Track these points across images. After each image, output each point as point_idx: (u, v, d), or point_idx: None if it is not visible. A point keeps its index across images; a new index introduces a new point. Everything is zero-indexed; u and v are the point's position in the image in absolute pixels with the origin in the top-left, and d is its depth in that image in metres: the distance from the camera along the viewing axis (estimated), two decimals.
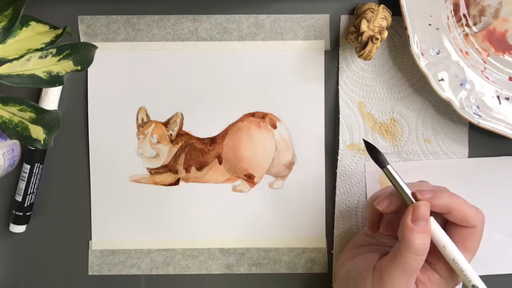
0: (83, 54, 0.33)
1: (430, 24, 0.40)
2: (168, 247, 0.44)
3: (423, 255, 0.33)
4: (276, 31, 0.42)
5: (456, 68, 0.41)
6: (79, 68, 0.33)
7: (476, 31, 0.42)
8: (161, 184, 0.43)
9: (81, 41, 0.42)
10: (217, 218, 0.44)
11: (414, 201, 0.35)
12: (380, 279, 0.34)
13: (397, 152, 0.43)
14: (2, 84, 0.30)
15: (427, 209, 0.34)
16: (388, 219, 0.38)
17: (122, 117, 0.43)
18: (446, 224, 0.36)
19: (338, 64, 0.43)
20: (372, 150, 0.37)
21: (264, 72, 0.43)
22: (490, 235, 0.43)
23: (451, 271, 0.35)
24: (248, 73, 0.43)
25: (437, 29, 0.40)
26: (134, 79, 0.43)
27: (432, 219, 0.35)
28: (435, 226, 0.35)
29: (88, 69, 0.42)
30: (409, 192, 0.35)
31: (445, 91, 0.40)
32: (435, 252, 0.35)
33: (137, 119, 0.43)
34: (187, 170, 0.43)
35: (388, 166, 0.36)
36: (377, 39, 0.37)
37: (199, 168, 0.43)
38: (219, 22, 0.42)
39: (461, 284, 0.43)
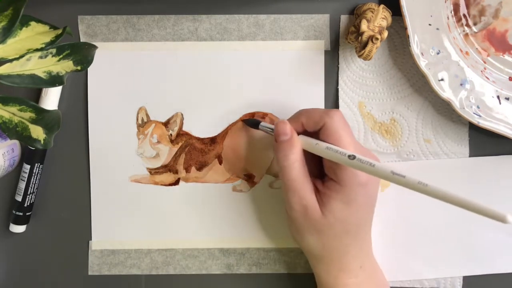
0: (83, 54, 0.33)
1: (430, 24, 0.40)
2: (168, 247, 0.44)
3: (290, 165, 0.36)
4: (276, 31, 0.42)
5: (456, 68, 0.41)
6: (79, 68, 0.33)
7: (476, 31, 0.42)
8: (161, 184, 0.43)
9: (81, 41, 0.42)
10: (217, 218, 0.44)
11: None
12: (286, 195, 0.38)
13: (397, 152, 0.43)
14: (2, 84, 0.30)
15: (284, 125, 0.37)
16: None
17: (122, 117, 0.43)
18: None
19: (338, 64, 0.43)
20: (251, 124, 0.42)
21: (264, 72, 0.43)
22: (490, 234, 0.43)
23: (337, 171, 0.36)
24: (248, 73, 0.43)
25: (437, 29, 0.40)
26: (134, 79, 0.43)
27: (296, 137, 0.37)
28: (303, 137, 0.38)
29: (88, 69, 0.42)
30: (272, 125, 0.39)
31: (445, 91, 0.40)
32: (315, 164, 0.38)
33: (137, 119, 0.43)
34: (187, 170, 0.43)
35: (261, 124, 0.41)
36: (377, 39, 0.37)
37: (199, 168, 0.43)
38: (219, 22, 0.42)
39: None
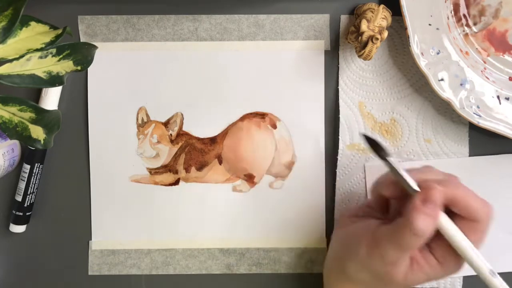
0: (83, 54, 0.33)
1: (430, 24, 0.40)
2: (168, 247, 0.44)
3: (422, 236, 0.32)
4: (276, 31, 0.42)
5: (456, 68, 0.41)
6: (79, 68, 0.33)
7: (476, 31, 0.42)
8: (161, 184, 0.43)
9: (81, 41, 0.42)
10: (217, 218, 0.44)
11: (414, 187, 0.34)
12: (375, 245, 0.34)
13: (397, 152, 0.43)
14: (2, 84, 0.30)
15: (439, 195, 0.33)
16: (395, 204, 0.37)
17: (122, 117, 0.43)
18: (452, 215, 0.35)
19: (338, 64, 0.43)
20: (373, 144, 0.36)
21: (264, 72, 0.43)
22: (491, 234, 0.43)
23: (448, 259, 0.34)
24: (248, 73, 0.43)
25: (437, 29, 0.40)
26: (134, 79, 0.43)
27: (443, 214, 0.33)
28: (444, 218, 0.34)
29: (88, 69, 0.42)
30: (413, 184, 0.34)
31: (445, 91, 0.40)
32: (437, 238, 0.34)
33: (137, 119, 0.43)
34: (187, 170, 0.43)
35: (389, 159, 0.35)
36: (377, 39, 0.37)
37: (199, 168, 0.43)
38: (219, 22, 0.42)
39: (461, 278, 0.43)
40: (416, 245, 0.33)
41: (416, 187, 0.34)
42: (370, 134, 0.42)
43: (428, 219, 0.32)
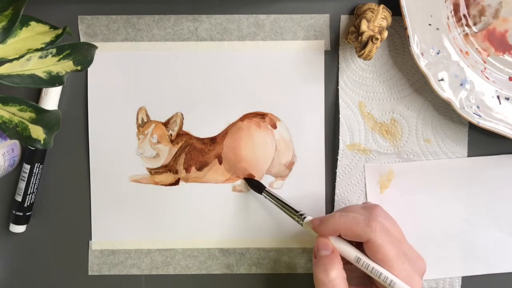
0: (83, 54, 0.33)
1: (430, 24, 0.40)
2: (168, 247, 0.44)
3: (331, 282, 0.35)
4: (276, 31, 0.42)
5: (456, 68, 0.41)
6: (79, 68, 0.33)
7: (476, 31, 0.42)
8: (161, 184, 0.43)
9: (81, 41, 0.42)
10: (217, 218, 0.44)
11: (296, 213, 0.39)
12: None
13: (397, 152, 0.43)
14: (2, 84, 0.30)
15: (325, 240, 0.36)
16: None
17: (122, 117, 0.43)
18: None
19: (338, 64, 0.43)
20: (250, 182, 0.42)
21: (264, 72, 0.43)
22: (490, 234, 0.43)
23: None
24: (248, 73, 0.43)
25: (437, 29, 0.40)
26: (134, 79, 0.43)
27: (339, 240, 0.36)
28: (342, 245, 0.36)
29: (88, 69, 0.42)
30: (294, 208, 0.40)
31: (445, 91, 0.40)
32: (366, 274, 0.36)
33: (137, 119, 0.43)
34: (187, 170, 0.43)
35: (268, 189, 0.41)
36: (377, 39, 0.37)
37: (199, 168, 0.43)
38: (219, 22, 0.42)
39: None
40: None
41: (295, 211, 0.39)
42: (371, 141, 0.43)
43: (326, 268, 0.35)
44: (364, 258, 0.35)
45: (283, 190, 0.43)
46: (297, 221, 0.39)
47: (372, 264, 0.35)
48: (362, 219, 0.35)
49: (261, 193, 0.42)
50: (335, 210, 0.43)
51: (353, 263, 0.36)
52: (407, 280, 0.34)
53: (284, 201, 0.40)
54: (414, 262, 0.36)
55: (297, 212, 0.39)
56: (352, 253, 0.36)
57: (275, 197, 0.41)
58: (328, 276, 0.35)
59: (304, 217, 0.39)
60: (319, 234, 0.37)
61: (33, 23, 0.32)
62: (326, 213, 0.43)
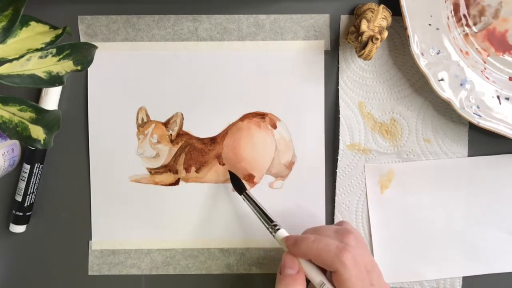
0: (83, 54, 0.33)
1: (430, 24, 0.40)
2: (168, 247, 0.44)
3: None
4: (276, 31, 0.42)
5: (456, 68, 0.41)
6: (79, 68, 0.33)
7: (476, 31, 0.42)
8: (161, 184, 0.43)
9: (81, 41, 0.42)
10: (217, 218, 0.44)
11: (270, 223, 0.39)
12: None
13: (397, 152, 0.43)
14: (2, 84, 0.30)
15: (292, 259, 0.36)
16: None
17: (122, 117, 0.43)
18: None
19: (338, 64, 0.43)
20: (234, 178, 0.42)
21: (264, 72, 0.43)
22: (491, 234, 0.43)
23: None
24: (248, 73, 0.43)
25: (437, 29, 0.40)
26: (134, 79, 0.43)
27: (306, 263, 0.36)
28: (309, 267, 0.36)
29: (88, 69, 0.42)
30: (268, 217, 0.39)
31: (445, 91, 0.40)
32: None
33: (137, 119, 0.43)
34: (187, 170, 0.43)
35: (247, 191, 0.41)
36: (377, 39, 0.37)
37: (199, 168, 0.43)
38: (219, 22, 0.42)
39: None
40: None
41: (270, 221, 0.39)
42: (371, 141, 0.43)
43: (287, 281, 0.35)
44: (328, 285, 0.35)
45: (283, 190, 0.43)
46: (270, 231, 0.39)
47: None
48: (334, 248, 0.35)
49: (240, 194, 0.41)
50: (335, 210, 0.43)
51: (316, 287, 0.36)
52: None
53: (262, 208, 0.40)
54: None
55: (271, 222, 0.39)
56: (317, 277, 0.36)
57: (253, 201, 0.40)
58: None
59: (278, 229, 0.38)
60: (294, 254, 0.37)
61: (33, 23, 0.32)
62: (326, 213, 0.43)
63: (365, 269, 0.35)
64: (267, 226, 0.39)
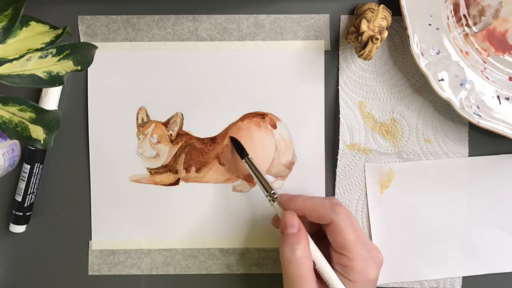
0: (83, 54, 0.33)
1: (430, 24, 0.40)
2: (168, 247, 0.44)
3: (297, 263, 0.36)
4: (276, 31, 0.42)
5: (456, 68, 0.41)
6: (79, 68, 0.33)
7: (476, 31, 0.42)
8: (161, 184, 0.43)
9: (81, 41, 0.42)
10: (217, 218, 0.44)
11: (269, 191, 0.39)
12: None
13: (397, 152, 0.43)
14: (2, 84, 0.30)
15: (292, 216, 0.37)
16: None
17: (122, 117, 0.43)
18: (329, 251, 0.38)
19: (338, 64, 0.43)
20: (236, 143, 0.42)
21: (264, 72, 0.43)
22: (491, 234, 0.43)
23: (348, 269, 0.36)
24: (248, 73, 0.43)
25: (437, 29, 0.40)
26: (134, 79, 0.43)
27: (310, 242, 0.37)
28: (312, 246, 0.37)
29: (88, 69, 0.42)
30: (267, 185, 0.40)
31: (445, 91, 0.40)
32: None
33: (137, 119, 0.43)
34: (187, 170, 0.43)
35: (248, 158, 0.41)
36: (377, 39, 0.37)
37: (199, 168, 0.43)
38: (219, 22, 0.42)
39: None
40: (300, 272, 0.36)
41: (269, 189, 0.39)
42: (371, 141, 0.43)
43: (293, 247, 0.36)
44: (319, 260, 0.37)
45: (283, 190, 0.43)
46: (268, 200, 0.40)
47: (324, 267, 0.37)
48: (328, 203, 0.37)
49: (242, 159, 0.41)
50: None
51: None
52: (363, 265, 0.36)
53: (262, 176, 0.40)
54: (371, 250, 0.37)
55: (270, 190, 0.40)
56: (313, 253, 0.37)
57: (255, 168, 0.40)
58: (294, 254, 0.36)
59: (276, 197, 0.39)
60: (286, 209, 0.38)
61: (33, 23, 0.32)
62: None
63: (357, 224, 0.37)
64: (266, 194, 0.40)
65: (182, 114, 0.43)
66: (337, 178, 0.43)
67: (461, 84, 0.41)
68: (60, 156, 0.43)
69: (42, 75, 0.31)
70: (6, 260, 0.44)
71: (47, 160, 0.43)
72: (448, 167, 0.43)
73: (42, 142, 0.33)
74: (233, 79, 0.43)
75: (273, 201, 0.39)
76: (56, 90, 0.42)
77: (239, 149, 0.42)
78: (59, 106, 0.43)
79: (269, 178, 0.43)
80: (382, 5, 0.39)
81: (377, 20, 0.38)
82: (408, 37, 0.39)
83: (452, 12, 0.41)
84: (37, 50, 0.31)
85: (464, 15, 0.41)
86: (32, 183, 0.42)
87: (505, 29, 0.42)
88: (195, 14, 0.42)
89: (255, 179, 0.40)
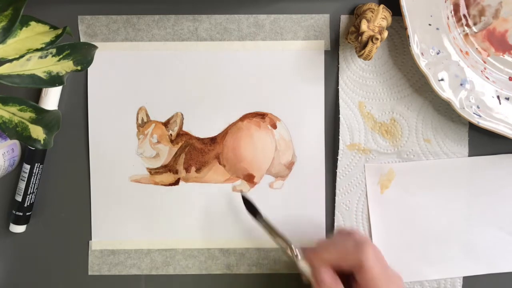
0: (83, 54, 0.33)
1: (430, 24, 0.40)
2: (168, 247, 0.44)
3: None
4: (276, 31, 0.42)
5: (456, 68, 0.41)
6: (79, 68, 0.33)
7: (476, 31, 0.42)
8: (161, 184, 0.43)
9: (81, 41, 0.42)
10: (217, 218, 0.44)
11: (293, 249, 0.38)
12: None
13: (397, 152, 0.43)
14: (2, 84, 0.30)
15: (328, 274, 0.35)
16: None
17: (122, 117, 0.43)
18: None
19: (338, 64, 0.43)
20: (248, 204, 0.41)
21: (264, 72, 0.43)
22: (491, 234, 0.43)
23: None
24: (248, 73, 0.43)
25: (437, 29, 0.40)
26: (134, 79, 0.43)
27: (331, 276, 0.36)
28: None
29: (88, 69, 0.42)
30: (287, 240, 0.39)
31: (445, 91, 0.40)
32: None
33: (137, 119, 0.43)
34: (187, 170, 0.43)
35: (263, 217, 0.40)
36: (377, 39, 0.37)
37: (199, 168, 0.43)
38: (219, 22, 0.42)
39: None
40: None
41: (289, 243, 0.38)
42: (371, 141, 0.43)
43: None
44: None
45: (283, 190, 0.43)
46: (290, 257, 0.38)
47: None
48: (351, 246, 0.35)
49: (255, 218, 0.41)
50: (336, 211, 0.43)
51: None
52: None
53: (280, 233, 0.39)
54: (397, 282, 0.36)
55: (292, 247, 0.38)
56: None
57: (270, 227, 0.40)
58: None
59: (296, 254, 0.38)
60: (314, 266, 0.36)
61: (33, 23, 0.32)
62: (326, 214, 0.43)
63: (381, 256, 0.35)
64: (288, 252, 0.38)
65: (182, 114, 0.43)
66: (338, 179, 0.43)
67: (461, 84, 0.41)
68: (60, 156, 0.43)
69: (42, 75, 0.31)
70: (6, 260, 0.44)
71: (47, 160, 0.43)
72: (448, 167, 0.43)
73: (42, 142, 0.33)
74: (233, 79, 0.43)
75: (297, 257, 0.38)
76: (56, 90, 0.42)
77: (251, 208, 0.41)
78: (59, 106, 0.43)
79: (269, 178, 0.43)
80: (382, 5, 0.39)
81: (377, 20, 0.38)
82: (408, 37, 0.39)
83: (452, 12, 0.41)
84: (37, 50, 0.31)
85: (464, 15, 0.41)
86: (32, 183, 0.42)
87: (505, 29, 0.42)
88: (195, 14, 0.42)
89: (272, 238, 0.39)
